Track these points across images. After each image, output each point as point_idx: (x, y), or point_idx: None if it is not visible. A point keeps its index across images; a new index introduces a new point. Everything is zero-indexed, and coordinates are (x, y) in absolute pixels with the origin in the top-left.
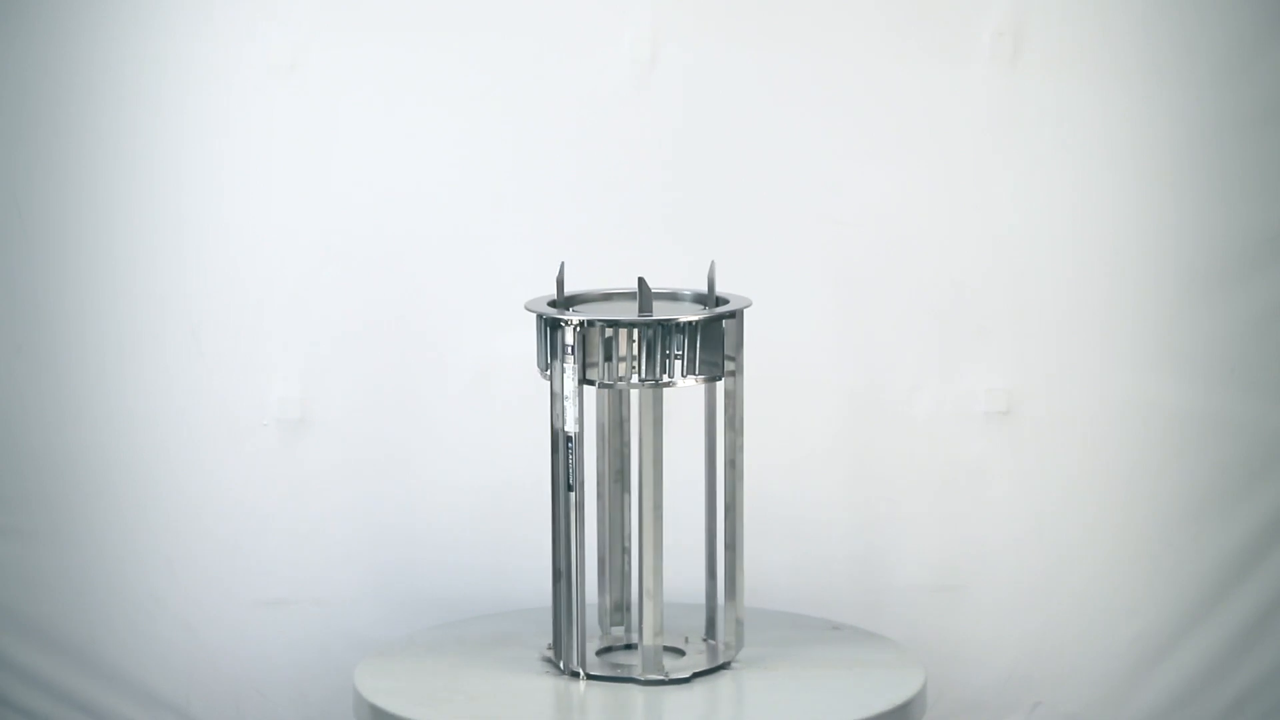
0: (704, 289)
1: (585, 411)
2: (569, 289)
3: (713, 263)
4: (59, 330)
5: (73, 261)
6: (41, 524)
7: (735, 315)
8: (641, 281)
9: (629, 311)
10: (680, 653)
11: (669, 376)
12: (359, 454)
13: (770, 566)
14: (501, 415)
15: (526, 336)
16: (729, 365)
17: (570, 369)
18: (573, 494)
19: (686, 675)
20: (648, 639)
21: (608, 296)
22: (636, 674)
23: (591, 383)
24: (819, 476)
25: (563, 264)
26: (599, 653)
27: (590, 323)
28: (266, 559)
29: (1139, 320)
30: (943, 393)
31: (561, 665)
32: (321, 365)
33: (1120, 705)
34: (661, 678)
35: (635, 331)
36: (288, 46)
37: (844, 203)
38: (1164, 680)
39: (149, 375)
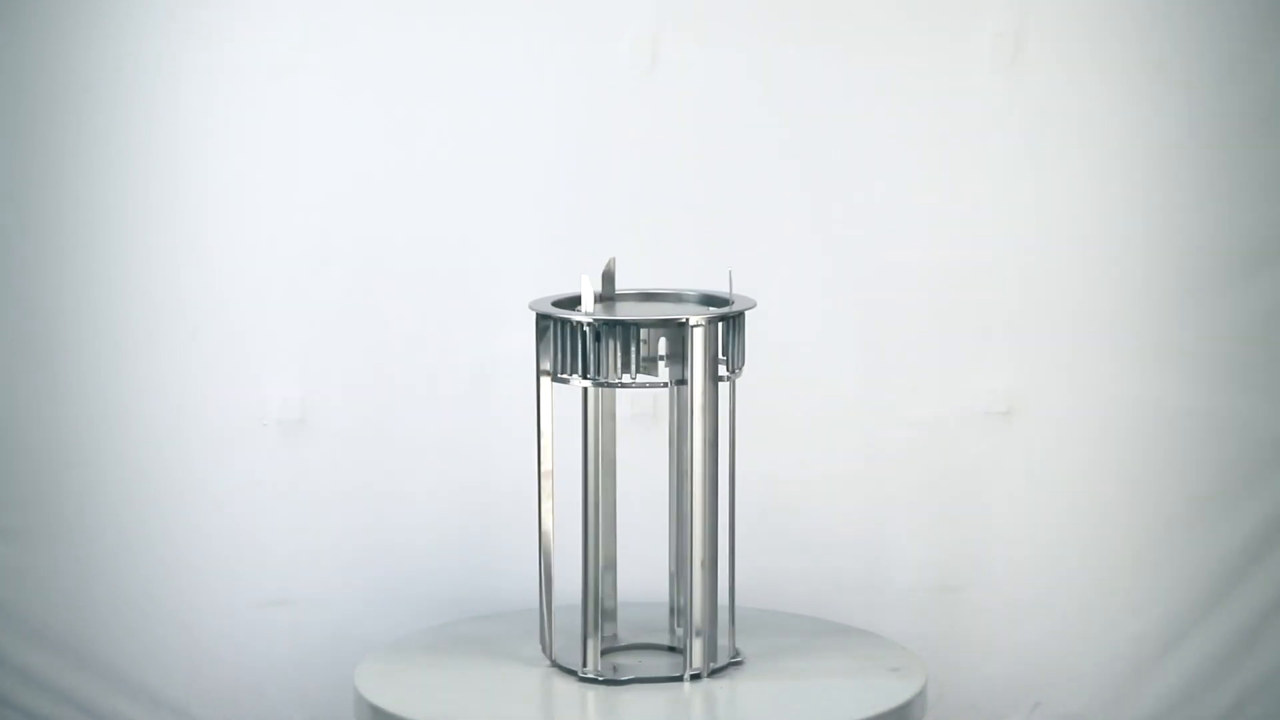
0: (715, 291)
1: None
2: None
3: (730, 272)
4: (58, 330)
5: (72, 261)
6: (41, 524)
7: (683, 324)
8: (585, 281)
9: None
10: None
11: (629, 376)
12: (358, 454)
13: (770, 566)
14: (501, 415)
15: (526, 337)
16: (673, 371)
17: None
18: (540, 487)
19: (625, 678)
20: (590, 636)
21: (619, 296)
22: (605, 673)
23: (562, 380)
24: (819, 476)
25: (612, 259)
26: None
27: (547, 318)
28: (266, 559)
29: (1140, 320)
30: (944, 393)
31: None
32: (321, 365)
33: (1120, 705)
34: (595, 677)
35: (574, 329)
36: (287, 46)
37: (844, 203)
38: (1164, 680)
39: (148, 375)
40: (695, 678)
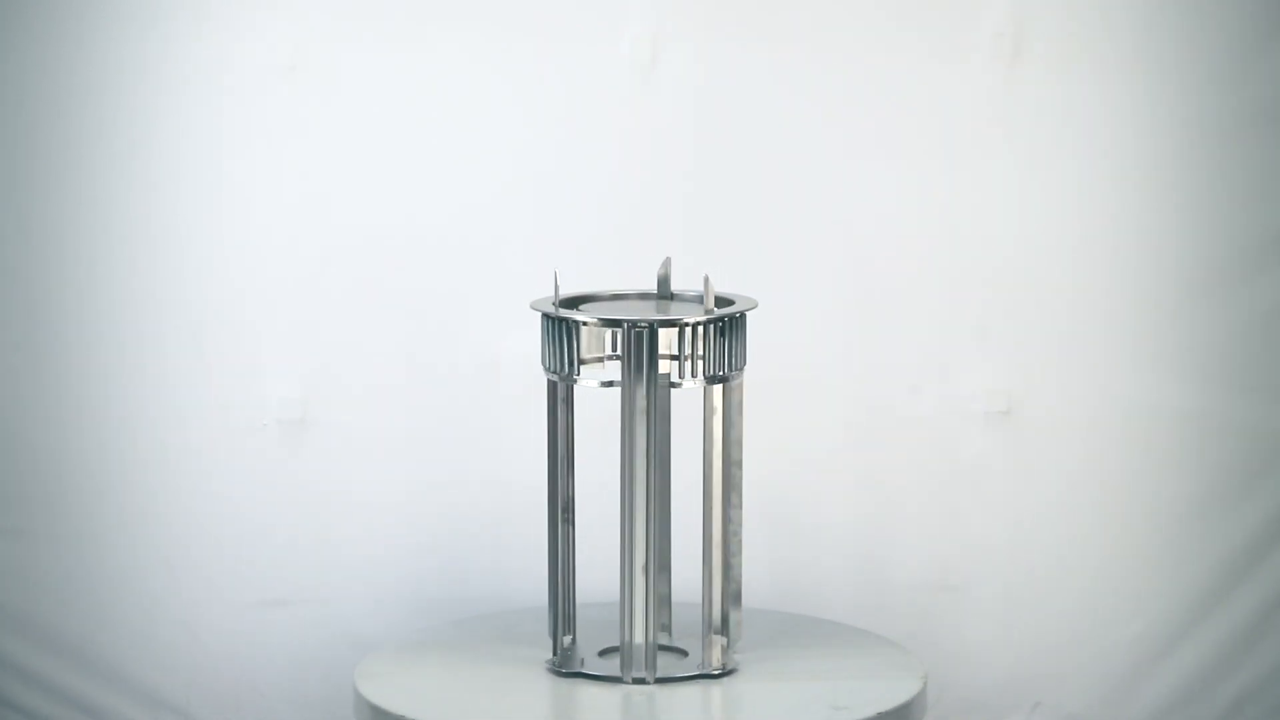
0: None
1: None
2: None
3: (706, 277)
4: (59, 330)
5: (73, 261)
6: (41, 524)
7: (632, 326)
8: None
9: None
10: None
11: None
12: (359, 455)
13: (770, 566)
14: (503, 415)
15: (528, 336)
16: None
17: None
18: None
19: (574, 669)
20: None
21: (617, 296)
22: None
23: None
24: (820, 477)
25: (668, 259)
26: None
27: (545, 316)
28: (266, 559)
29: (1139, 320)
30: (943, 393)
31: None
32: (321, 365)
33: (1120, 705)
34: (560, 669)
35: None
36: (287, 46)
37: (844, 203)
38: (1164, 680)
39: (149, 375)
40: (640, 681)
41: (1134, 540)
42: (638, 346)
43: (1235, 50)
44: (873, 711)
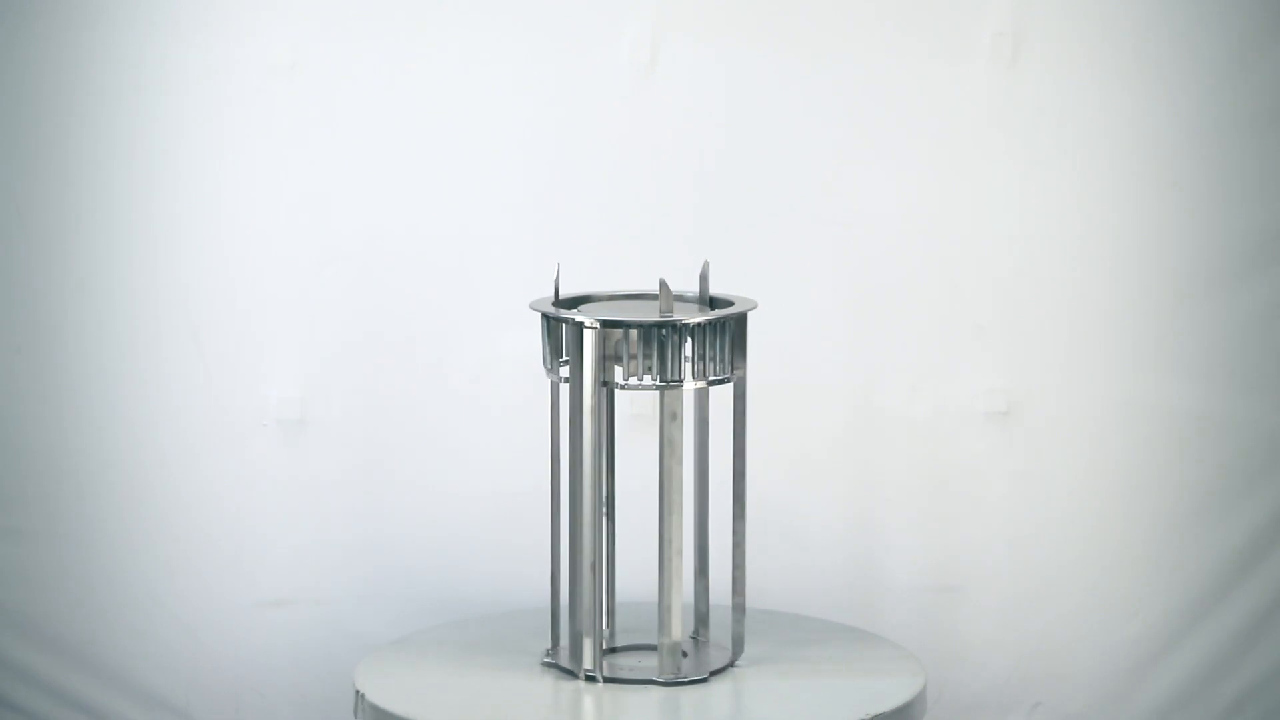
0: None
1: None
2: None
3: (661, 280)
4: (59, 331)
5: (73, 262)
6: (41, 524)
7: (582, 326)
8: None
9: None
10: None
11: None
12: (359, 455)
13: (770, 567)
14: (502, 416)
15: (526, 337)
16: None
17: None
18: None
19: (551, 661)
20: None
21: (629, 296)
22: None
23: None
24: (819, 477)
25: (707, 262)
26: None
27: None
28: (266, 559)
29: (1139, 320)
30: (942, 393)
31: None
32: (321, 366)
33: (1120, 706)
34: (550, 661)
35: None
36: (287, 45)
37: (843, 203)
38: (1164, 680)
39: (149, 376)
40: (590, 679)
41: (1134, 540)
42: (593, 346)
43: (1235, 50)
44: (872, 712)
